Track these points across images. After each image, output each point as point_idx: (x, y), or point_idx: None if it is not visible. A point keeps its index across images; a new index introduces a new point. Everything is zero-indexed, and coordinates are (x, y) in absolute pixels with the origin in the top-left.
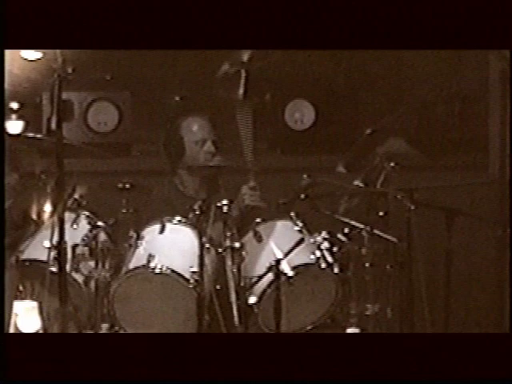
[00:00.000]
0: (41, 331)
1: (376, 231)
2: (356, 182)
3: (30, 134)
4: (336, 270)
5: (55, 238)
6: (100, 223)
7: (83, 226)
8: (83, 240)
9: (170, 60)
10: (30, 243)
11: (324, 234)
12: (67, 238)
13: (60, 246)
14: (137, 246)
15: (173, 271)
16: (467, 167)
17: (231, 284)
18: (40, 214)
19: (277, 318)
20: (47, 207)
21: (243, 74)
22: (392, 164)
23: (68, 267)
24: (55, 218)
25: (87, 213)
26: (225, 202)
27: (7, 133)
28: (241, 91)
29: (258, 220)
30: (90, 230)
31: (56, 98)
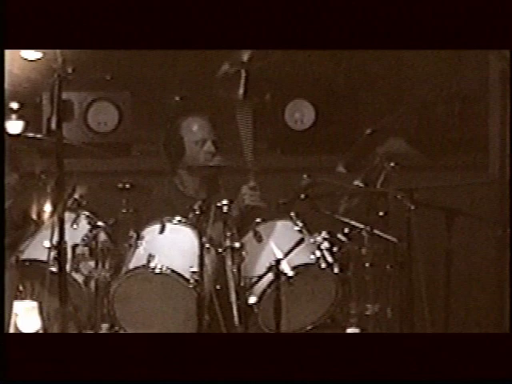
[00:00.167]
0: (41, 331)
1: (376, 231)
2: (356, 182)
3: (30, 134)
4: (336, 270)
5: (55, 238)
6: (100, 223)
7: (83, 226)
8: (83, 240)
9: (170, 60)
10: (30, 243)
11: (324, 234)
12: (67, 238)
13: (60, 246)
14: (137, 246)
15: (173, 271)
16: (467, 167)
17: (231, 284)
18: (40, 214)
19: (277, 317)
20: (47, 207)
21: (243, 74)
22: (392, 164)
23: (68, 267)
24: (55, 218)
25: (87, 213)
26: (225, 201)
27: (7, 133)
28: (241, 91)
29: (258, 220)
30: (90, 230)
31: (56, 98)
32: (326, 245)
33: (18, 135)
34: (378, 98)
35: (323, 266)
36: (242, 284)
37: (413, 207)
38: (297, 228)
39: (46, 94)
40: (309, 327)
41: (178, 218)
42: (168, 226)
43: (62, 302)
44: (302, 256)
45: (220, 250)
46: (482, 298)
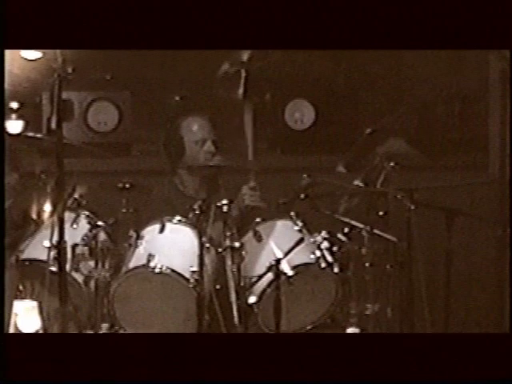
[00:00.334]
0: (41, 331)
1: (376, 231)
2: (356, 182)
3: (30, 134)
4: (336, 270)
5: (55, 238)
6: (100, 223)
7: (83, 225)
8: (83, 240)
9: (170, 60)
10: (29, 243)
11: (324, 233)
12: (67, 237)
13: (60, 246)
14: (137, 246)
15: (173, 271)
16: (467, 167)
17: (231, 284)
18: (40, 213)
19: (277, 317)
20: (47, 207)
21: (243, 74)
22: (392, 164)
23: (68, 267)
24: (55, 218)
25: (87, 212)
26: (225, 201)
27: (7, 132)
28: (240, 91)
29: (258, 220)
30: (90, 230)
31: (56, 98)
32: (325, 244)
33: (18, 135)
34: (377, 97)
35: (323, 265)
36: (241, 284)
37: (413, 207)
38: (297, 228)
39: (46, 93)
40: (309, 327)
41: (178, 217)
42: (168, 225)
43: (62, 301)
44: (301, 256)
45: (220, 249)
46: (482, 298)
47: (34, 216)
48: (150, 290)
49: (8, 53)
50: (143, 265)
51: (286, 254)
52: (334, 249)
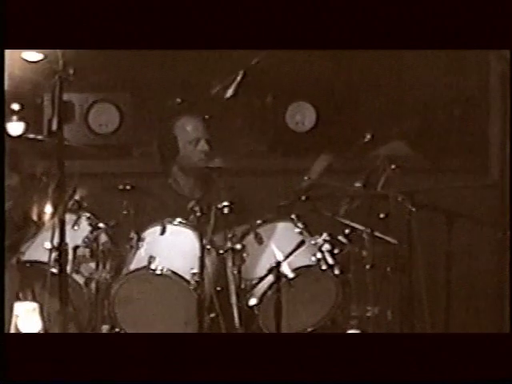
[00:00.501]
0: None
1: (377, 233)
2: (357, 184)
3: (31, 136)
4: (336, 272)
5: (56, 240)
6: (101, 225)
7: (84, 227)
8: (84, 241)
9: (171, 62)
10: (30, 244)
11: (325, 235)
12: (68, 239)
13: (61, 248)
14: (138, 248)
15: (173, 273)
16: (468, 170)
17: (232, 286)
18: (41, 215)
19: (277, 319)
20: (48, 209)
21: (239, 76)
22: (393, 166)
23: (69, 269)
24: (56, 220)
25: (88, 214)
26: (225, 203)
27: (8, 134)
28: (230, 92)
29: (259, 221)
30: (91, 232)
31: (57, 100)
32: (326, 246)
33: (19, 137)
34: (378, 100)
35: (324, 267)
36: (242, 286)
37: (413, 209)
38: (297, 230)
39: (47, 95)
40: (309, 329)
41: (179, 219)
42: (169, 227)
43: (63, 303)
44: (302, 258)
45: (221, 251)
46: (483, 300)
47: (35, 218)
48: (150, 292)
49: (9, 54)
50: (144, 267)
51: (287, 256)
52: (335, 251)
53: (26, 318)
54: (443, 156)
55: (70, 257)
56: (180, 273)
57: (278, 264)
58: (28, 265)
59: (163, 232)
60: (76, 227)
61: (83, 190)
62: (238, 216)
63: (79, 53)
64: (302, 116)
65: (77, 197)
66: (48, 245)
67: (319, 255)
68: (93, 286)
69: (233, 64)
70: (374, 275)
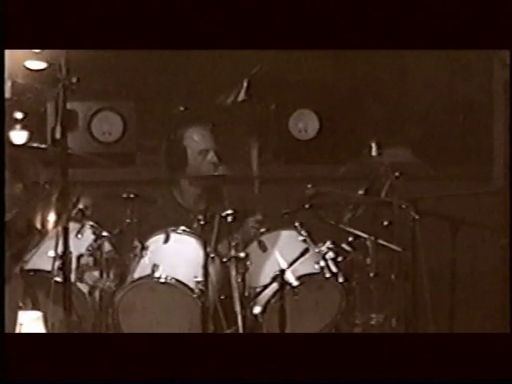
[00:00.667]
0: None
1: (381, 241)
2: (360, 192)
3: (35, 144)
4: (341, 280)
5: (60, 248)
6: (105, 233)
7: (88, 235)
8: (88, 250)
9: (174, 70)
10: (34, 253)
11: (328, 243)
12: (72, 247)
13: (65, 256)
14: (141, 256)
15: (177, 281)
16: (471, 177)
17: (236, 294)
18: (44, 223)
19: (281, 327)
20: (52, 217)
21: (245, 83)
22: (396, 174)
23: (73, 277)
24: (60, 228)
25: (92, 223)
26: (229, 211)
27: (11, 143)
28: (240, 98)
29: (263, 230)
30: (95, 240)
31: (60, 108)
32: (330, 254)
33: (23, 145)
34: (382, 107)
35: (328, 275)
36: (246, 294)
37: (417, 217)
38: (301, 238)
39: (51, 103)
40: None
41: (183, 227)
42: (172, 235)
43: (67, 311)
44: (306, 266)
45: (224, 259)
46: (487, 307)
47: (39, 226)
48: (154, 300)
49: (12, 63)
50: (148, 275)
51: (291, 264)
52: (339, 259)
53: (30, 326)
54: (447, 163)
55: (74, 265)
56: (184, 281)
57: (282, 272)
58: (32, 273)
59: (167, 240)
60: (80, 236)
61: (87, 199)
62: (241, 224)
63: (82, 61)
64: (305, 124)
65: (80, 205)
66: (52, 253)
67: (323, 263)
68: (97, 294)
69: (237, 72)
70: (378, 283)
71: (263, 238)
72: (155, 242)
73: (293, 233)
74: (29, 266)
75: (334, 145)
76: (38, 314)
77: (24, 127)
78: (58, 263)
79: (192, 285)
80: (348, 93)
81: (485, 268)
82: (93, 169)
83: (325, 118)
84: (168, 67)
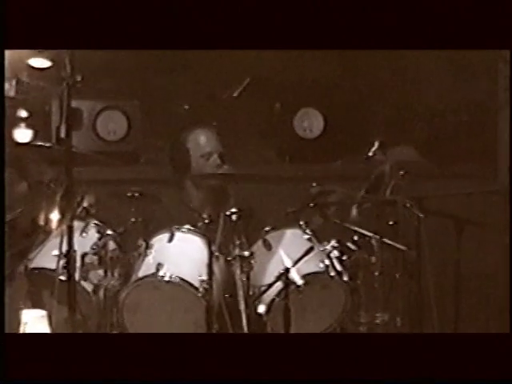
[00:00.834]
0: None
1: (385, 239)
2: (365, 191)
3: (39, 143)
4: (345, 279)
5: (64, 247)
6: (109, 232)
7: (92, 234)
8: (92, 249)
9: (179, 69)
10: (39, 252)
11: (333, 242)
12: (76, 246)
13: (69, 255)
14: (146, 255)
15: (182, 280)
16: (476, 176)
17: (240, 292)
18: (49, 222)
19: (286, 326)
20: (56, 216)
21: (246, 81)
22: (401, 172)
23: (77, 276)
24: (64, 227)
25: (96, 221)
26: (233, 210)
27: (16, 141)
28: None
29: (268, 228)
30: (99, 239)
31: (65, 107)
32: (335, 253)
33: (27, 144)
34: (386, 106)
35: (332, 274)
36: (251, 292)
37: (422, 216)
38: (306, 236)
39: (55, 102)
40: None
41: (187, 226)
42: (177, 234)
43: (71, 310)
44: (311, 264)
45: (229, 258)
46: (492, 306)
47: (43, 225)
48: (159, 299)
49: (17, 61)
50: (152, 274)
51: (296, 263)
52: (344, 257)
53: (35, 325)
54: (452, 162)
55: (79, 264)
56: (188, 280)
57: (287, 271)
58: (36, 272)
59: (171, 239)
60: (84, 234)
61: (91, 197)
62: (246, 223)
63: (87, 60)
64: (309, 123)
65: (85, 204)
66: (56, 252)
67: (327, 262)
68: (101, 293)
69: (242, 71)
70: (382, 281)
71: (268, 237)
72: (160, 240)
73: (297, 231)
74: (33, 265)
75: (339, 143)
76: (42, 313)
77: (29, 126)
78: (62, 262)
79: (196, 283)
80: (353, 92)
81: (490, 266)
82: (97, 167)
83: (329, 116)
84: (173, 66)
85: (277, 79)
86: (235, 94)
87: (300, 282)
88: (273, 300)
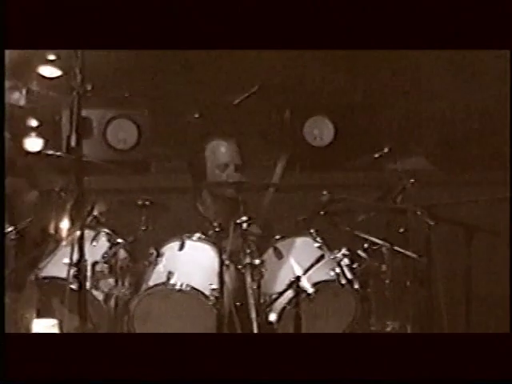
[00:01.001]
0: None
1: (396, 247)
2: (375, 199)
3: (50, 152)
4: (356, 287)
5: (75, 256)
6: (119, 240)
7: (103, 243)
8: (103, 257)
9: (189, 77)
10: (49, 260)
11: (344, 250)
12: (87, 255)
13: (80, 264)
14: (156, 263)
15: (192, 288)
16: (486, 183)
17: (251, 301)
18: (59, 231)
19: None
20: (66, 225)
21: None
22: (412, 180)
23: (88, 284)
24: (75, 236)
25: (107, 230)
26: (244, 218)
27: (27, 150)
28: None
29: (278, 237)
30: (110, 248)
31: (75, 116)
32: (345, 261)
33: (38, 153)
34: (397, 114)
35: (343, 282)
36: (261, 301)
37: (432, 223)
38: (316, 244)
39: (66, 111)
40: None
41: (198, 234)
42: (187, 242)
43: (82, 319)
44: (321, 272)
45: (240, 266)
46: (502, 314)
47: (54, 234)
48: (169, 308)
49: (27, 70)
50: (163, 282)
51: (306, 271)
52: (354, 265)
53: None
54: (462, 169)
55: (89, 273)
56: (199, 288)
57: (298, 279)
58: (47, 281)
59: (182, 247)
60: (95, 243)
61: (102, 206)
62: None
63: (97, 68)
64: (319, 131)
65: (95, 213)
66: (67, 261)
67: (338, 270)
68: (112, 301)
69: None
70: (393, 289)
71: (278, 245)
72: (170, 249)
73: (308, 239)
74: (44, 274)
75: (350, 151)
76: (53, 322)
77: (39, 135)
78: (73, 271)
79: (207, 292)
80: (363, 99)
81: (500, 274)
82: (108, 176)
83: (340, 124)
84: (182, 74)
85: (287, 87)
86: (235, 102)
87: (311, 290)
88: (284, 308)
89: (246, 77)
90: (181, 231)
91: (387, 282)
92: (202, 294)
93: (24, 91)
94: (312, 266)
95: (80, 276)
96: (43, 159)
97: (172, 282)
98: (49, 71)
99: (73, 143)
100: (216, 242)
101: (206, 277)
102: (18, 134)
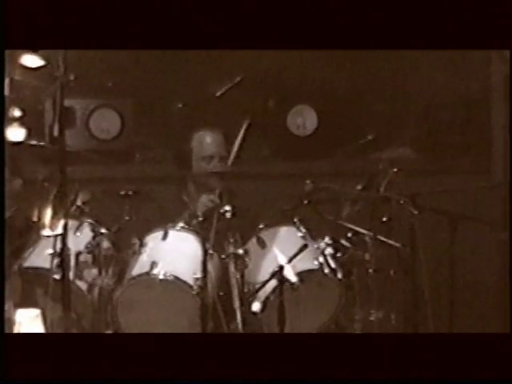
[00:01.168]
0: None
1: (380, 236)
2: (359, 187)
3: (33, 142)
4: (340, 276)
5: (58, 246)
6: (103, 230)
7: (86, 233)
8: (86, 247)
9: (173, 67)
10: (33, 251)
11: (327, 239)
12: (70, 245)
13: (63, 254)
14: (140, 253)
15: (176, 278)
16: (470, 172)
17: (235, 290)
18: (42, 221)
19: (281, 324)
20: (50, 214)
21: (238, 78)
22: (395, 169)
23: (71, 274)
24: (58, 226)
25: (90, 220)
26: (228, 207)
27: (9, 141)
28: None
29: (262, 226)
30: (94, 237)
31: (58, 105)
32: (329, 250)
33: (21, 143)
34: (381, 103)
35: (327, 271)
36: (245, 290)
37: (416, 212)
38: (300, 234)
39: (49, 101)
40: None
41: (181, 224)
42: (171, 232)
43: (66, 309)
44: (305, 262)
45: (223, 256)
46: (487, 302)
47: (37, 224)
48: (153, 297)
49: (9, 60)
50: (146, 272)
51: (290, 261)
52: (338, 255)
53: (29, 324)
54: (446, 158)
55: (73, 263)
56: (183, 278)
57: (281, 268)
58: (30, 271)
59: (165, 237)
60: (78, 233)
61: (85, 196)
62: (240, 220)
63: (80, 58)
64: (303, 120)
65: (79, 202)
66: (50, 251)
67: (322, 259)
68: (95, 291)
69: (237, 69)
70: (377, 279)
71: (262, 235)
72: (154, 238)
73: (292, 229)
74: (27, 264)
75: (333, 140)
76: (36, 312)
77: (22, 125)
78: (56, 261)
79: (191, 281)
80: (347, 88)
81: (485, 263)
82: (91, 166)
83: (323, 113)
84: (166, 64)
85: (270, 76)
86: (218, 94)
87: (294, 279)
88: (267, 298)
89: (230, 67)
90: (165, 221)
91: (371, 271)
92: (186, 283)
93: (7, 81)
94: (296, 255)
95: (63, 266)
96: (26, 149)
97: (155, 271)
98: (31, 61)
99: (56, 133)
100: (199, 231)
101: (190, 266)
102: None
